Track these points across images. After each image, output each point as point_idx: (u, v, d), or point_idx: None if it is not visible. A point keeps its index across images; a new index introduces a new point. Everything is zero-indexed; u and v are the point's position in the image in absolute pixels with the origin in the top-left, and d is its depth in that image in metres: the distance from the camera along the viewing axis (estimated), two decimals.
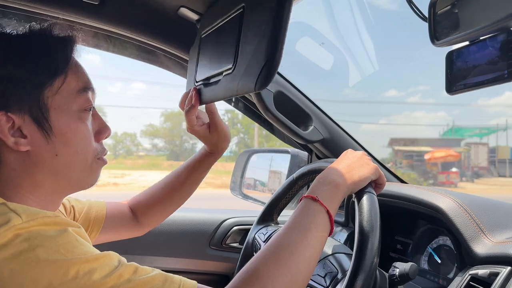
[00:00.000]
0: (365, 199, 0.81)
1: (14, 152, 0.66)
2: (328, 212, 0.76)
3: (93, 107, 0.75)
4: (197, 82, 0.98)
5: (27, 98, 0.65)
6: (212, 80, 0.89)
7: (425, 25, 0.77)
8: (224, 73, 0.81)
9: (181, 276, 0.61)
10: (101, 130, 0.77)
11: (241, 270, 0.67)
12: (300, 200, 0.79)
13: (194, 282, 0.62)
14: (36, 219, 0.56)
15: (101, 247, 1.41)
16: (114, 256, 0.59)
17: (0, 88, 0.64)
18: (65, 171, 0.70)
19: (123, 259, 0.60)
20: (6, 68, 0.64)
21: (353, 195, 0.84)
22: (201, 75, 0.95)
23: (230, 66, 0.78)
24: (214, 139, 1.03)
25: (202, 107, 1.01)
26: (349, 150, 0.91)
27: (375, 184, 0.87)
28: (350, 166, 0.84)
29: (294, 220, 0.75)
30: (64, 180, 0.71)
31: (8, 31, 0.69)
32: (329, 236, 0.77)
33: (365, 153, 0.91)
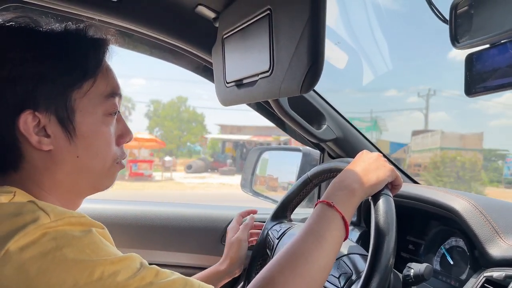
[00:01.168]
0: (381, 201, 0.81)
1: (36, 150, 0.66)
2: (343, 218, 0.76)
3: (118, 111, 0.75)
4: (228, 83, 0.99)
5: (55, 98, 0.66)
6: (246, 82, 0.90)
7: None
8: (260, 75, 0.82)
9: (200, 282, 0.63)
10: (123, 134, 0.77)
11: (256, 277, 0.69)
12: (316, 205, 0.79)
13: (212, 286, 0.63)
14: (63, 218, 0.57)
15: (119, 242, 1.42)
16: (136, 258, 0.60)
17: (30, 86, 0.64)
18: (84, 173, 0.71)
19: (144, 261, 0.60)
20: (38, 67, 0.64)
21: (369, 197, 0.84)
22: (232, 76, 0.97)
23: (267, 69, 0.79)
24: (230, 258, 1.12)
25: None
26: (364, 152, 0.91)
27: (392, 185, 0.87)
28: (366, 169, 0.84)
29: (309, 226, 0.75)
30: (83, 181, 0.72)
31: (44, 29, 0.69)
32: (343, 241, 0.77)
33: (381, 154, 0.90)
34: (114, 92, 0.72)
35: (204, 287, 0.62)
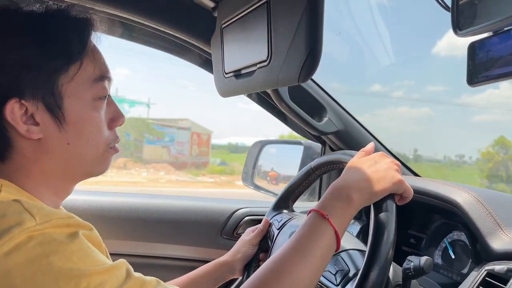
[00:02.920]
0: (382, 212, 0.78)
1: (26, 139, 0.64)
2: (336, 232, 0.73)
3: (108, 95, 0.72)
4: (226, 73, 0.98)
5: (41, 85, 0.63)
6: (244, 72, 0.89)
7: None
8: (258, 65, 0.81)
9: None
10: (115, 118, 0.74)
11: (242, 286, 0.68)
12: (309, 213, 0.76)
13: None
14: (50, 221, 0.55)
15: (118, 235, 1.41)
16: (123, 266, 0.58)
17: (14, 73, 0.62)
18: (76, 160, 0.69)
19: (130, 268, 0.59)
20: (20, 54, 0.62)
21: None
22: (230, 66, 0.96)
23: (265, 58, 0.78)
24: (236, 252, 1.10)
25: None
26: (380, 154, 0.83)
27: (400, 196, 0.81)
28: (372, 177, 0.78)
29: (299, 239, 0.73)
30: (75, 168, 0.70)
31: (24, 12, 0.66)
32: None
33: (395, 161, 0.82)
34: (102, 75, 0.69)
35: None
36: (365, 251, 0.90)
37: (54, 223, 0.55)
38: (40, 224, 0.54)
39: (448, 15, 0.74)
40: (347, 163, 0.86)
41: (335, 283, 0.85)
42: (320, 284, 0.87)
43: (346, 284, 0.83)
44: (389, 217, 0.77)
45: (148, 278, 0.60)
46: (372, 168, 0.80)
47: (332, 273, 0.86)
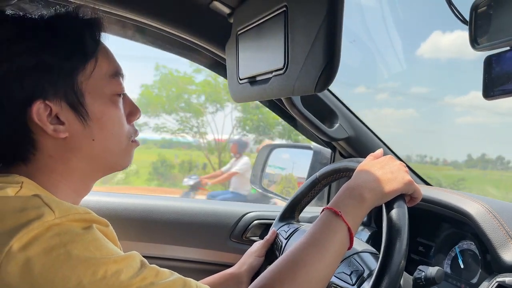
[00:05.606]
0: (394, 210, 0.79)
1: (52, 139, 0.66)
2: (349, 229, 0.74)
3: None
4: (241, 79, 0.99)
5: (62, 84, 0.65)
6: (259, 79, 0.90)
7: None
8: (274, 73, 0.82)
9: (197, 282, 0.63)
10: (132, 112, 0.77)
11: (255, 283, 0.69)
12: (323, 211, 0.78)
13: (207, 287, 0.63)
14: (68, 215, 0.56)
15: (129, 236, 1.42)
16: (137, 257, 0.59)
17: (35, 76, 0.63)
18: (101, 155, 0.71)
19: (144, 260, 0.60)
20: (39, 56, 0.64)
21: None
22: (245, 73, 0.96)
23: (281, 66, 0.78)
24: (242, 264, 1.09)
25: None
26: (389, 157, 0.86)
27: (410, 197, 0.84)
28: (383, 178, 0.80)
29: (313, 235, 0.74)
30: (100, 163, 0.72)
31: (34, 16, 0.68)
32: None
33: (404, 164, 0.86)
34: (117, 71, 0.72)
35: (201, 287, 0.62)
36: (375, 253, 0.91)
37: (71, 217, 0.56)
38: (58, 218, 0.55)
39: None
40: (354, 170, 0.87)
41: (351, 283, 0.86)
42: (335, 285, 0.88)
43: (361, 283, 0.84)
44: (401, 218, 0.77)
45: (162, 268, 0.61)
46: (383, 170, 0.82)
47: (347, 274, 0.87)
